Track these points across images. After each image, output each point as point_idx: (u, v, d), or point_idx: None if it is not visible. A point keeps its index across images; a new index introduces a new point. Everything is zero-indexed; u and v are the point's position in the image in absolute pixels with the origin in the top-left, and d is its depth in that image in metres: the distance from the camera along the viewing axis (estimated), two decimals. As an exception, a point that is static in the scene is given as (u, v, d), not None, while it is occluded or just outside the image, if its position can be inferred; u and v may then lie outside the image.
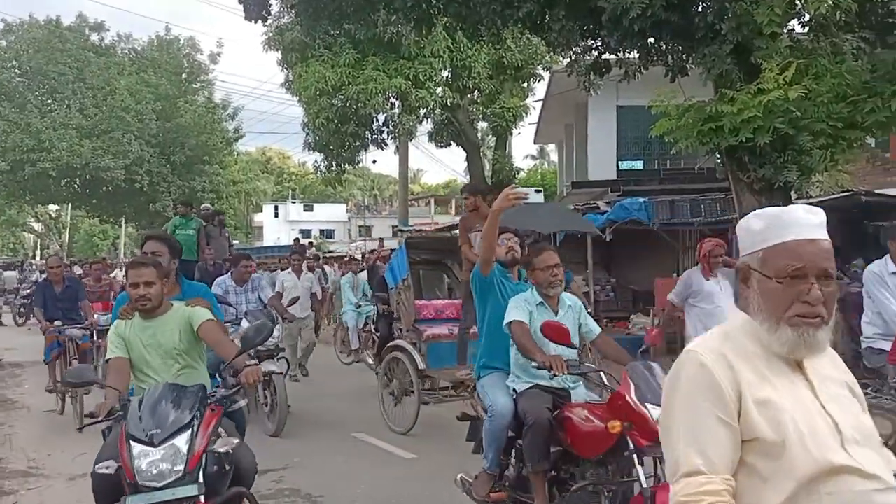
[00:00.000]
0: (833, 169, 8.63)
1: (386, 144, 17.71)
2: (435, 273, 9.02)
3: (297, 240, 17.73)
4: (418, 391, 7.03)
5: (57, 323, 7.93)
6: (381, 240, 23.19)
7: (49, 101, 28.44)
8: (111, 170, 27.30)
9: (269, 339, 7.73)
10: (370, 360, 9.97)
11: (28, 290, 17.51)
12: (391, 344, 7.58)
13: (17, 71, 29.07)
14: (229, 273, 8.26)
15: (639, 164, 19.10)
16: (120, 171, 27.53)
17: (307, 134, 16.87)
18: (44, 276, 11.79)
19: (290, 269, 10.69)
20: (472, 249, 6.72)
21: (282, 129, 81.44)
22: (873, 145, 16.68)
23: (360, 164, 22.06)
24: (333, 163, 17.50)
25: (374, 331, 10.74)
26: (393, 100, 16.08)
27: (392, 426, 7.27)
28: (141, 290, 3.50)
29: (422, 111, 16.44)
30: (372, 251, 20.43)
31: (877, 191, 11.14)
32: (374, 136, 17.27)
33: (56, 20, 29.67)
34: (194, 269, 10.10)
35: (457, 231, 15.06)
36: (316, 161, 17.86)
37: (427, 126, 19.10)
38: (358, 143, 17.10)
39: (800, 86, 7.44)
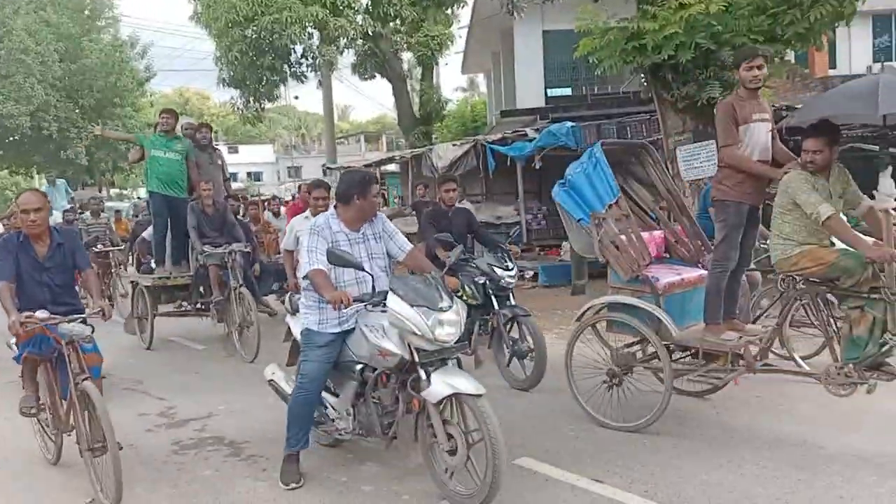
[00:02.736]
0: (755, 84, 8.58)
1: (306, 77, 16.94)
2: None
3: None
4: (669, 371, 4.70)
5: None
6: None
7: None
8: (15, 117, 25.57)
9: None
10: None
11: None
12: (603, 301, 5.08)
13: None
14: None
15: (567, 91, 18.94)
16: (25, 118, 25.81)
17: (220, 69, 16.00)
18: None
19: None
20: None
21: (200, 66, 77.90)
22: (793, 61, 16.92)
23: (282, 101, 21.18)
24: (251, 99, 16.68)
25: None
26: (310, 29, 15.30)
27: (611, 422, 4.94)
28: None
29: (342, 41, 15.70)
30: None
31: (797, 106, 11.27)
32: (292, 70, 16.50)
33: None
34: (184, 208, 8.33)
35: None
36: (232, 98, 17.03)
37: (350, 58, 18.41)
38: (276, 78, 16.27)
39: (721, -1, 7.33)
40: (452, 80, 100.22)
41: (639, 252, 4.91)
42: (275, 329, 6.89)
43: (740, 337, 4.73)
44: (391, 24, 17.23)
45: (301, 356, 4.24)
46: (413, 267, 4.33)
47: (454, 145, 13.79)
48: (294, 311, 4.82)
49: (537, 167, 11.64)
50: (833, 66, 18.84)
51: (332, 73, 19.51)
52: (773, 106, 11.35)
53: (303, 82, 16.67)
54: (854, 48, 19.75)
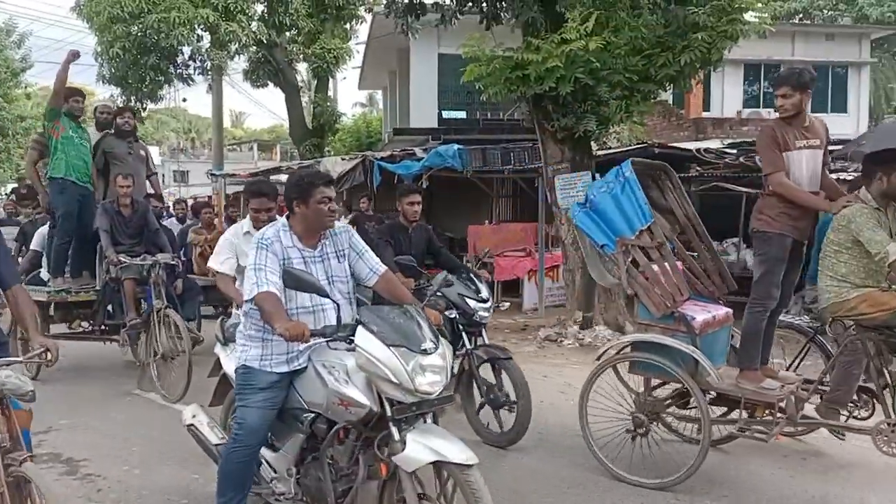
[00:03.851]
0: (629, 120, 9.03)
1: (193, 81, 16.45)
2: None
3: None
4: (708, 422, 4.21)
5: None
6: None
7: None
8: None
9: None
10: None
11: None
12: (628, 339, 4.69)
13: None
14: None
15: (462, 114, 19.23)
16: None
17: (101, 65, 15.25)
18: None
19: None
20: None
21: (82, 61, 73.81)
22: (671, 102, 17.95)
23: (171, 102, 20.39)
24: (132, 98, 15.98)
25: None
26: (200, 32, 14.89)
27: (639, 479, 4.36)
28: None
29: (233, 46, 15.36)
30: (195, 198, 18.85)
31: (670, 144, 11.92)
32: (178, 71, 15.95)
33: None
34: (92, 205, 7.03)
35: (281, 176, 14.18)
36: (113, 96, 16.24)
37: (242, 63, 18.01)
38: (161, 78, 15.69)
39: (599, 37, 7.64)
40: (353, 94, 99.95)
41: (674, 286, 4.38)
42: (201, 360, 5.70)
43: (782, 386, 4.24)
44: (287, 33, 17.02)
45: (237, 400, 3.41)
46: (387, 294, 3.50)
47: (343, 159, 13.68)
48: (226, 340, 4.00)
49: (424, 186, 11.71)
50: (707, 108, 20.13)
51: (222, 77, 18.99)
52: (644, 142, 12.01)
53: (189, 85, 16.15)
54: (727, 93, 21.18)
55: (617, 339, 4.67)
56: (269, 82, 18.02)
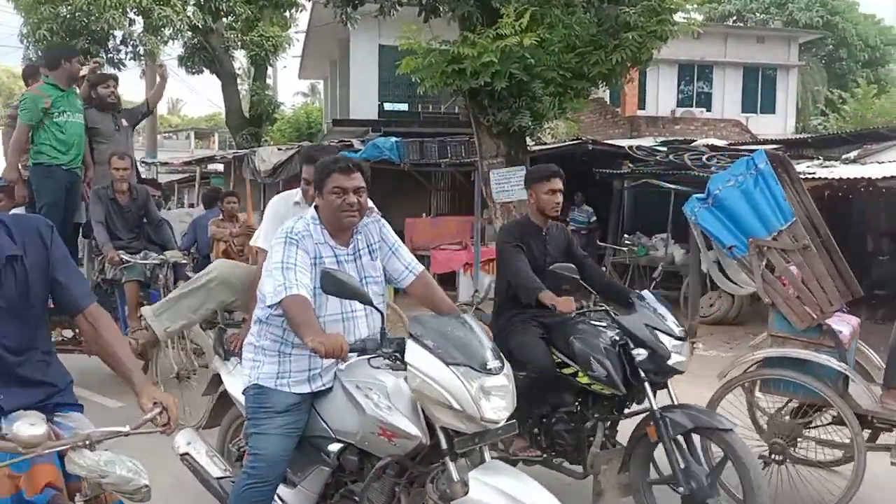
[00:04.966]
0: (562, 116, 9.17)
1: (124, 65, 15.94)
2: None
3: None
4: (862, 448, 3.61)
5: None
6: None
7: None
8: None
9: None
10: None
11: None
12: (761, 354, 3.99)
13: None
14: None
15: (404, 107, 19.18)
16: None
17: (27, 48, 14.65)
18: None
19: None
20: None
21: (10, 42, 71.08)
22: (608, 100, 18.31)
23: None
24: (60, 82, 15.40)
25: None
26: (132, 15, 14.45)
27: None
28: None
29: (167, 31, 14.96)
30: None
31: (605, 140, 12.17)
32: (109, 56, 15.44)
33: None
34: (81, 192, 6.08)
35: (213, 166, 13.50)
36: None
37: (177, 49, 17.58)
38: (90, 63, 15.19)
39: (534, 34, 7.73)
40: (295, 84, 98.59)
41: (822, 294, 3.81)
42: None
43: None
44: (224, 19, 16.68)
45: (250, 426, 2.84)
46: (425, 300, 2.97)
47: (279, 149, 13.50)
48: (226, 354, 3.43)
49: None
50: (642, 106, 20.60)
51: (154, 63, 18.51)
52: (579, 138, 12.24)
53: (120, 70, 15.65)
54: (662, 92, 21.70)
55: (748, 355, 4.00)
56: (204, 69, 17.62)
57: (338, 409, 2.71)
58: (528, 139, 9.51)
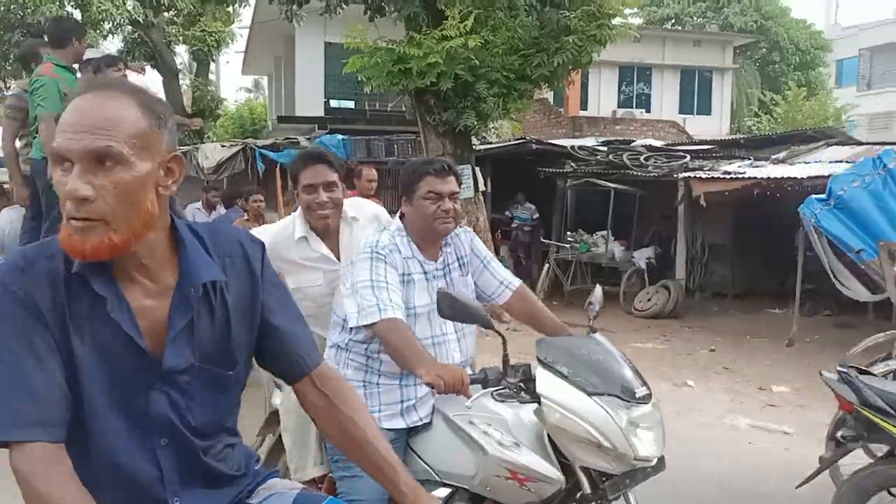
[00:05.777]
0: (506, 117, 9.40)
1: (62, 60, 15.54)
2: None
3: None
4: None
5: None
6: None
7: None
8: None
9: None
10: None
11: None
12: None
13: None
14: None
15: (351, 104, 19.16)
16: None
17: (-43, 40, 14.18)
18: None
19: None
20: None
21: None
22: (552, 101, 18.65)
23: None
24: (-6, 77, 14.97)
25: None
26: (70, 8, 14.08)
27: None
28: None
29: (106, 25, 14.64)
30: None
31: (548, 140, 12.45)
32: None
33: None
34: None
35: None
36: (-28, 73, 15.13)
37: (117, 44, 17.19)
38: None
39: (478, 35, 7.93)
40: (238, 79, 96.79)
41: None
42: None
43: None
44: (165, 13, 16.40)
45: (338, 468, 2.37)
46: (525, 318, 2.65)
47: (223, 146, 13.38)
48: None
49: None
50: (584, 107, 21.03)
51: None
52: (523, 138, 12.50)
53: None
54: (603, 93, 22.20)
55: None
56: (145, 65, 17.30)
57: (443, 447, 2.31)
58: (473, 139, 9.71)
